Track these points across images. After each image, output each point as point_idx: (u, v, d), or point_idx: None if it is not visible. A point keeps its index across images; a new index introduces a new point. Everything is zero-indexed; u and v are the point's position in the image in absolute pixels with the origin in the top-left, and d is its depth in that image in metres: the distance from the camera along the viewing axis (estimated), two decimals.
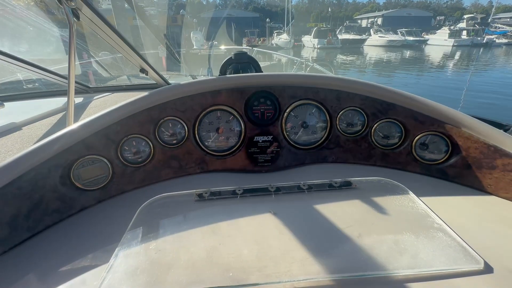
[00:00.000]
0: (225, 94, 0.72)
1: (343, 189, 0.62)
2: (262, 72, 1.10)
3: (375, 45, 31.00)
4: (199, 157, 0.74)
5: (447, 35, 32.67)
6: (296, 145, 0.76)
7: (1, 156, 0.82)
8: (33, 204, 0.53)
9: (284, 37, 28.41)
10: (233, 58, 1.10)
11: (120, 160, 0.66)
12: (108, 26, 0.97)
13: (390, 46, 30.31)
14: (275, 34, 30.15)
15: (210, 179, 0.72)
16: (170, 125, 0.71)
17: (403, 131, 0.72)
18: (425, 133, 0.69)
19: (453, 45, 30.80)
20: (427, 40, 34.58)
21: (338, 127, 0.75)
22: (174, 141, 0.72)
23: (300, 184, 0.63)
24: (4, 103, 1.27)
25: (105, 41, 1.14)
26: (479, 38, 32.85)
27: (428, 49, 29.24)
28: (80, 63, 2.09)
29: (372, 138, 0.74)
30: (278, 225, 0.50)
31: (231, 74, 1.12)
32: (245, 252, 0.44)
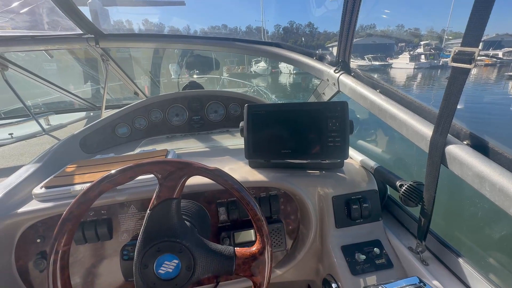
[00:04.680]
0: (179, 99, 1.68)
1: (223, 132, 1.58)
2: None
3: None
4: (168, 127, 1.67)
5: (408, 59, 36.75)
6: (212, 121, 1.72)
7: (69, 131, 1.72)
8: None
9: (262, 64, 30.69)
10: (188, 84, 2.09)
11: (134, 127, 1.58)
12: (120, 69, 1.94)
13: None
14: (253, 62, 32.31)
15: (173, 135, 1.66)
16: (155, 112, 1.65)
17: None
18: None
19: (414, 68, 34.61)
20: (391, 64, 38.28)
21: (229, 112, 1.72)
22: (157, 120, 1.66)
23: (210, 131, 1.59)
24: (55, 114, 2.18)
25: (116, 76, 2.11)
26: (435, 61, 37.22)
27: (393, 72, 32.78)
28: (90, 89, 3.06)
29: None
30: (193, 144, 1.45)
31: None
32: (183, 146, 1.38)
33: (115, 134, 1.51)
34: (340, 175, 0.99)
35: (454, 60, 0.54)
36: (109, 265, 0.92)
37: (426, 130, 0.68)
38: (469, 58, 0.52)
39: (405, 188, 0.78)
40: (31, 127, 1.90)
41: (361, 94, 0.91)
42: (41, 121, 1.98)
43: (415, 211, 0.92)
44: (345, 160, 1.04)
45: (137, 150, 1.31)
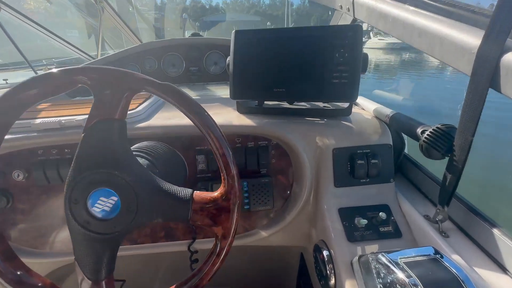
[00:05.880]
0: (176, 47, 1.50)
1: (221, 83, 1.41)
2: None
3: (374, 47, 31.68)
4: (163, 78, 1.52)
5: None
6: (211, 73, 1.55)
7: None
8: None
9: None
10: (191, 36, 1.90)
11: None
12: (117, 15, 1.78)
13: (389, 49, 31.02)
14: None
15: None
16: (149, 61, 1.49)
17: None
18: None
19: None
20: None
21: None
22: (151, 70, 1.51)
23: (207, 83, 1.43)
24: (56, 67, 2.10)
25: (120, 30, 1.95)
26: None
27: None
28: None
29: None
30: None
31: None
32: None
33: None
34: (346, 123, 0.80)
35: None
36: None
37: (471, 38, 0.46)
38: None
39: (430, 132, 0.58)
40: (28, 75, 1.83)
41: (381, 12, 0.69)
42: (40, 72, 1.91)
43: (438, 173, 0.72)
44: (354, 111, 0.85)
45: None
